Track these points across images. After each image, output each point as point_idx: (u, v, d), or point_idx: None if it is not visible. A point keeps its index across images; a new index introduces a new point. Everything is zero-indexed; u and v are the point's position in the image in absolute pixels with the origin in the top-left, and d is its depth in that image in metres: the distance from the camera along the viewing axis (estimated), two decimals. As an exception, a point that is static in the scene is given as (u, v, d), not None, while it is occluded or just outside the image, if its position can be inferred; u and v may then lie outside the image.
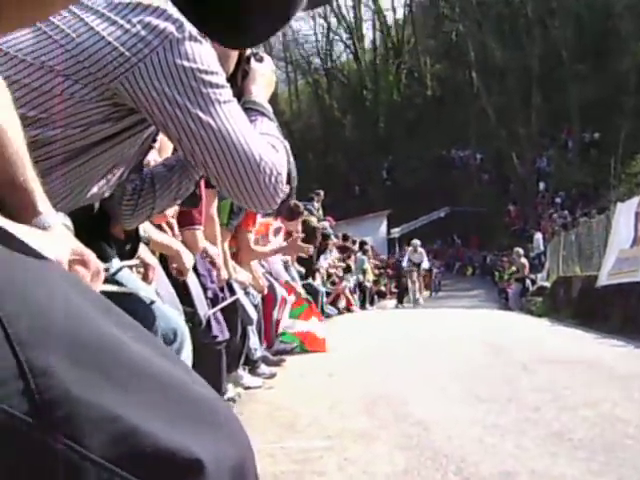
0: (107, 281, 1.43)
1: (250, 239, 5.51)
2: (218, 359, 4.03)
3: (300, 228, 8.12)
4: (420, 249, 20.91)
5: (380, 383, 5.10)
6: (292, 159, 1.69)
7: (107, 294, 1.34)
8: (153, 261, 2.70)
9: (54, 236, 1.15)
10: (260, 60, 1.81)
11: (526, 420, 3.74)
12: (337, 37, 51.03)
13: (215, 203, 4.27)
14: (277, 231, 6.67)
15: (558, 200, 31.61)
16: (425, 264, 21.59)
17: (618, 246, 11.04)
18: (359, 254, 18.35)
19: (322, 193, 15.58)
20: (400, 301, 20.63)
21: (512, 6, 39.93)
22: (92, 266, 1.17)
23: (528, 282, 18.15)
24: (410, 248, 21.13)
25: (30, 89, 1.41)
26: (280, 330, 6.88)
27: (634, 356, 6.41)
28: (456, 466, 2.91)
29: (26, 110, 1.35)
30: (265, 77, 1.82)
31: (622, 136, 26.87)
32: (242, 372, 4.97)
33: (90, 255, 1.18)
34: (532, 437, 3.38)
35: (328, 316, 11.97)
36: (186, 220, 3.62)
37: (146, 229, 2.70)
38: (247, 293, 5.11)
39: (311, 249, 7.36)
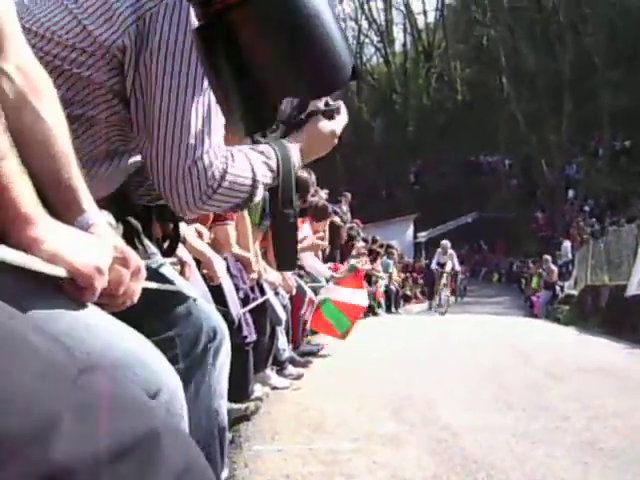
0: (151, 278, 1.45)
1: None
2: (246, 359, 4.05)
3: (327, 229, 8.17)
4: (450, 250, 19.35)
5: (408, 386, 5.09)
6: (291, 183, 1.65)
7: (150, 291, 1.37)
8: (189, 259, 2.72)
9: (97, 237, 1.16)
10: (330, 117, 1.76)
11: (556, 429, 3.71)
12: (368, 40, 51.06)
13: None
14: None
15: (587, 208, 31.29)
16: (455, 266, 19.67)
17: (648, 255, 10.94)
18: (385, 257, 18.32)
19: (349, 195, 15.58)
20: (431, 305, 20.45)
21: (544, 11, 39.60)
22: (132, 264, 1.18)
23: (557, 289, 18.02)
24: (439, 250, 19.50)
25: (61, 71, 1.45)
26: (321, 297, 6.80)
27: (664, 368, 6.34)
28: (486, 473, 2.90)
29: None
30: (317, 139, 1.75)
31: (655, 145, 26.59)
32: (270, 372, 4.98)
33: (131, 253, 1.19)
34: (563, 446, 3.35)
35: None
36: (217, 215, 3.66)
37: (183, 231, 2.72)
38: (277, 293, 5.13)
39: (325, 244, 7.37)
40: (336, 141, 1.78)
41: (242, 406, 3.80)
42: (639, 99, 31.66)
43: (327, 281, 7.45)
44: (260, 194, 1.61)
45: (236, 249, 4.04)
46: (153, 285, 1.48)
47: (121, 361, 1.07)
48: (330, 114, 1.72)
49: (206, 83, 1.48)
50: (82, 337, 1.04)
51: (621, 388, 5.04)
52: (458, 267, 19.80)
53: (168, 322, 1.67)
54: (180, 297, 1.69)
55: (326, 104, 1.72)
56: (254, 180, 1.57)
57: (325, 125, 1.73)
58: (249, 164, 1.56)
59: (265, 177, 1.60)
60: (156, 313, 1.54)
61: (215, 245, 3.56)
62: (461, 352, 7.23)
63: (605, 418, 3.96)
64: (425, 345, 7.95)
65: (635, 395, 4.73)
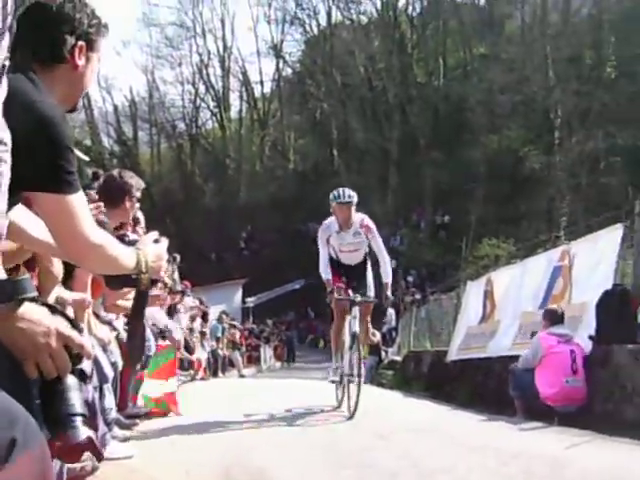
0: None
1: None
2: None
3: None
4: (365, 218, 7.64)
5: (237, 450, 4.99)
6: None
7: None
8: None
9: None
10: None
11: (387, 485, 3.75)
12: (204, 104, 51.45)
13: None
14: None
15: (410, 278, 32.71)
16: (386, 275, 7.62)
17: (467, 323, 11.53)
18: (214, 322, 18.14)
19: (178, 257, 15.33)
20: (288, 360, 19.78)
21: (375, 91, 41.83)
22: None
23: (383, 353, 18.50)
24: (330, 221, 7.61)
25: None
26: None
27: (482, 427, 6.62)
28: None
29: None
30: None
31: (472, 221, 28.48)
32: (111, 438, 4.62)
33: None
34: (395, 501, 3.39)
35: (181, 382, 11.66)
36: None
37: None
38: (105, 350, 4.90)
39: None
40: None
41: (77, 466, 3.54)
42: (457, 178, 34.00)
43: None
44: None
45: (67, 293, 3.82)
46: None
47: None
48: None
49: None
50: None
51: (444, 445, 5.21)
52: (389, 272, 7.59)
53: None
54: None
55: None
56: None
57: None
58: None
59: None
60: None
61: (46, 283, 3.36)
62: (292, 417, 7.19)
63: (431, 474, 4.06)
64: (257, 409, 7.84)
65: (457, 451, 4.90)
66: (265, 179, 47.82)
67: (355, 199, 7.19)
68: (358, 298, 7.02)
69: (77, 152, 4.22)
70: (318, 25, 47.19)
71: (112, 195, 4.67)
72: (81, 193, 1.78)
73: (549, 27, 35.71)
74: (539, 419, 6.60)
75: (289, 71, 51.28)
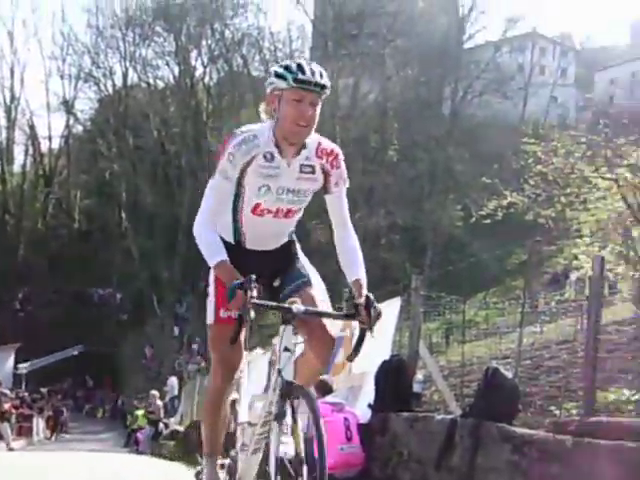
0: None
1: None
2: None
3: None
4: None
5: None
6: None
7: None
8: None
9: None
10: None
11: None
12: (-18, 156, 48.41)
13: None
14: None
15: (195, 346, 32.38)
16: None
17: (252, 391, 11.49)
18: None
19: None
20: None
21: (167, 155, 41.75)
22: None
23: (161, 425, 18.01)
24: None
25: None
26: None
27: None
28: None
29: None
30: None
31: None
32: None
33: None
34: None
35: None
36: None
37: None
38: None
39: None
40: None
41: None
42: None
43: None
44: None
45: None
46: None
47: None
48: None
49: None
50: None
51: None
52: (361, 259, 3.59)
53: None
54: None
55: None
56: None
57: None
58: None
59: None
60: None
61: None
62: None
63: None
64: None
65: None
66: (47, 238, 45.76)
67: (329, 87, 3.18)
68: (300, 308, 3.11)
69: None
70: (113, 85, 46.55)
71: None
72: None
73: (339, 109, 37.79)
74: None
75: (80, 128, 49.94)
